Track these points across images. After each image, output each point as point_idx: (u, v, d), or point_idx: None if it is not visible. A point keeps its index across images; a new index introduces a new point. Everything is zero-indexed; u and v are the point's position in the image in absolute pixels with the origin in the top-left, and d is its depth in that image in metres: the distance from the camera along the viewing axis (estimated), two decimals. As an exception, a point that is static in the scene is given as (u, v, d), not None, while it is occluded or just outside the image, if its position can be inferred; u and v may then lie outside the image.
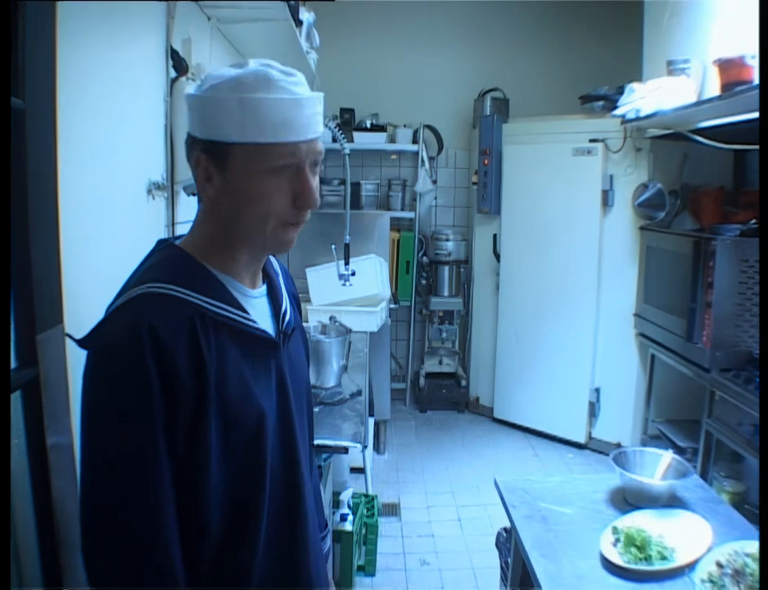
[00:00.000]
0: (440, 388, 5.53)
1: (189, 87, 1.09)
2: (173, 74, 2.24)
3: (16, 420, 1.24)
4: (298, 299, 1.39)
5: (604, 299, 4.50)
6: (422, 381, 5.50)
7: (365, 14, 5.36)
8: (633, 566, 1.64)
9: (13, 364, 1.21)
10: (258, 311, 1.16)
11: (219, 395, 1.03)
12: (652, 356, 4.04)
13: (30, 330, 1.20)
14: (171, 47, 2.21)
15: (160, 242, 1.17)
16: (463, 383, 5.49)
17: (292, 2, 2.62)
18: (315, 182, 1.09)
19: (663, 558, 1.67)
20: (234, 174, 1.04)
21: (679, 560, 1.66)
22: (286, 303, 1.24)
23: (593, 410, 4.62)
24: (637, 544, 1.69)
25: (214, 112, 1.02)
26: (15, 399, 1.22)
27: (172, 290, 1.03)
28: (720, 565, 1.63)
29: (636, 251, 4.23)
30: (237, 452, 1.08)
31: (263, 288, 1.21)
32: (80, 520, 1.00)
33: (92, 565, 1.00)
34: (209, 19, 2.65)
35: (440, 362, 5.63)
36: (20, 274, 1.18)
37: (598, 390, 4.60)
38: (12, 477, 1.26)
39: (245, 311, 1.10)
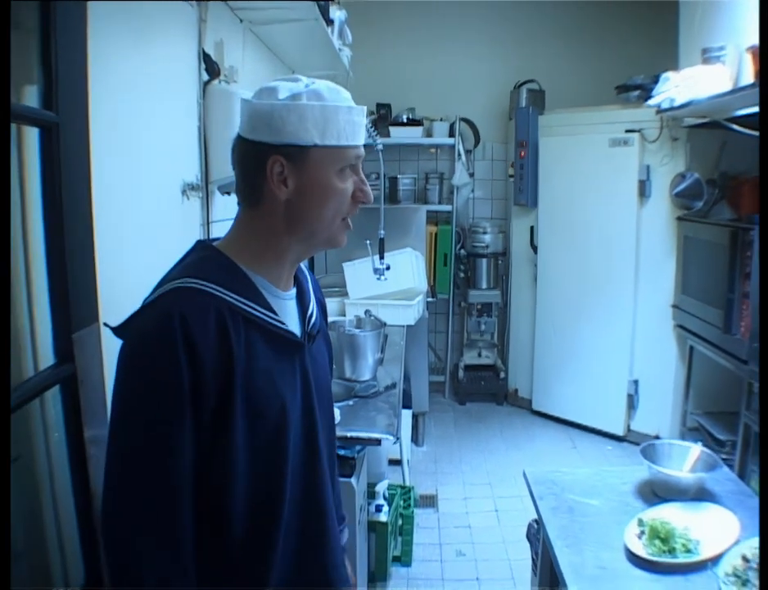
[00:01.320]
0: (479, 380, 5.55)
1: (245, 95, 1.16)
2: (205, 77, 2.30)
3: (56, 414, 1.31)
4: (324, 305, 1.47)
5: (642, 290, 4.46)
6: (461, 373, 5.52)
7: (399, 9, 5.37)
8: (656, 558, 1.64)
9: (51, 360, 1.28)
10: (287, 312, 1.23)
11: (246, 386, 1.09)
12: (691, 348, 4.00)
13: (67, 328, 1.27)
14: (203, 51, 2.27)
15: (198, 243, 1.24)
16: (502, 375, 5.49)
17: (322, 2, 2.66)
18: None
19: (688, 551, 1.66)
20: (311, 175, 1.14)
21: (704, 553, 1.65)
22: (313, 306, 1.31)
23: (631, 402, 4.60)
24: (661, 536, 1.69)
25: (296, 119, 1.12)
26: (55, 394, 1.30)
27: (205, 286, 1.09)
28: (746, 559, 1.61)
29: (674, 242, 4.19)
30: (261, 443, 1.13)
31: (293, 291, 1.28)
32: (102, 500, 1.07)
33: (109, 543, 1.06)
34: (241, 21, 2.71)
35: (479, 354, 5.64)
36: (57, 274, 1.25)
37: (636, 382, 4.56)
38: (53, 469, 1.34)
39: (274, 312, 1.17)
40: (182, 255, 1.22)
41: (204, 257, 1.17)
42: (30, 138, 1.27)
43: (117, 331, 1.10)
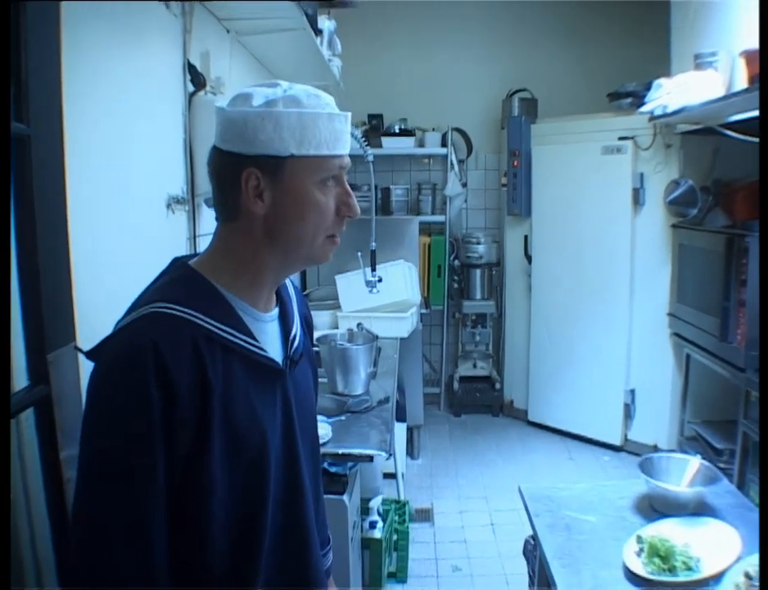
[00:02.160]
0: (475, 392, 5.51)
1: (219, 103, 1.09)
2: (191, 88, 2.27)
3: (30, 436, 1.27)
4: (309, 321, 1.41)
5: (638, 299, 4.45)
6: (456, 385, 5.48)
7: (389, 19, 5.37)
8: (656, 577, 1.60)
9: (25, 382, 1.24)
10: (268, 336, 1.17)
11: (224, 417, 1.04)
12: (687, 356, 3.97)
13: (41, 349, 1.23)
14: (189, 62, 2.24)
15: (174, 261, 1.18)
16: (498, 386, 5.45)
17: (310, 12, 2.63)
18: None
19: (688, 568, 1.62)
20: (289, 188, 1.07)
21: (705, 571, 1.61)
22: (296, 328, 1.25)
23: (628, 412, 4.57)
24: (661, 554, 1.65)
25: (271, 127, 1.05)
26: (29, 416, 1.25)
27: (180, 311, 1.03)
28: (748, 577, 1.57)
29: (669, 250, 4.17)
30: (240, 475, 1.08)
31: (275, 312, 1.22)
32: (70, 526, 1.02)
33: (76, 567, 1.00)
34: (228, 31, 2.69)
35: (474, 365, 5.60)
36: (30, 294, 1.21)
37: (633, 391, 4.54)
38: (27, 489, 1.29)
39: (253, 337, 1.11)
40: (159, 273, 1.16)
41: (180, 278, 1.11)
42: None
43: (89, 355, 1.05)
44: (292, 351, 1.21)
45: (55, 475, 1.26)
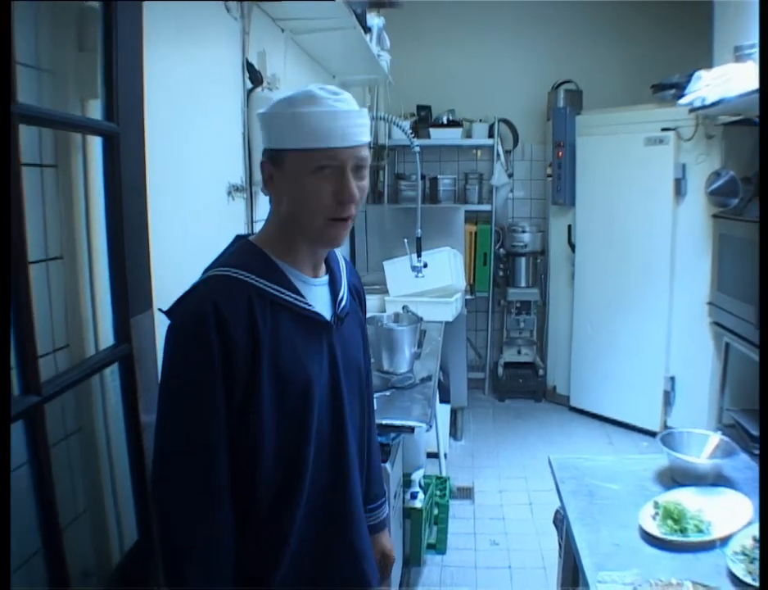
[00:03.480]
0: (518, 377, 5.62)
1: (262, 106, 1.34)
2: (249, 85, 2.46)
3: (114, 389, 1.48)
4: (360, 291, 1.60)
5: (678, 288, 4.50)
6: (500, 370, 5.60)
7: (436, 13, 5.45)
8: (668, 537, 1.72)
9: (111, 341, 1.45)
10: (317, 296, 1.36)
11: (272, 361, 1.24)
12: (727, 345, 4.02)
13: (125, 313, 1.43)
14: (247, 61, 2.43)
15: (237, 237, 1.40)
16: (541, 372, 5.56)
17: (359, 11, 2.80)
18: (361, 183, 1.29)
19: (699, 531, 1.73)
20: (288, 175, 1.26)
21: (715, 533, 1.73)
22: (344, 291, 1.43)
23: (668, 399, 4.64)
24: (674, 517, 1.77)
25: (274, 125, 1.27)
26: (114, 371, 1.46)
27: (237, 273, 1.24)
28: (755, 540, 1.68)
29: (709, 240, 4.22)
30: (287, 412, 1.28)
31: (325, 278, 1.41)
32: (153, 453, 1.25)
33: (158, 496, 1.24)
34: (282, 31, 2.87)
35: (519, 352, 5.70)
36: (117, 268, 1.41)
37: (672, 379, 4.60)
38: (110, 439, 1.50)
39: (301, 295, 1.31)
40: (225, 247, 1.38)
41: (239, 248, 1.34)
42: (94, 146, 1.44)
43: (167, 313, 1.27)
44: (339, 309, 1.39)
45: (134, 421, 1.47)
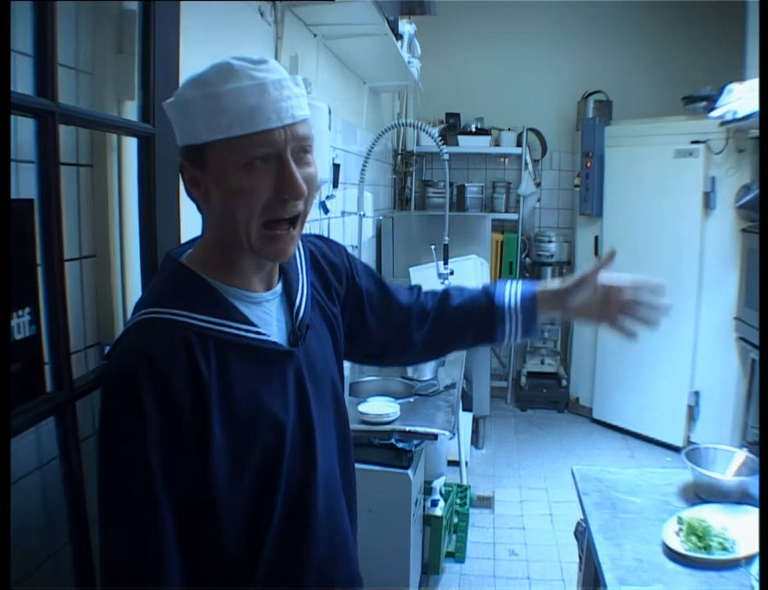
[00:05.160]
0: (541, 388, 5.58)
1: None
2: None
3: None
4: (332, 266, 1.32)
5: (705, 302, 4.47)
6: (523, 380, 5.58)
7: (467, 21, 5.47)
8: (692, 553, 1.70)
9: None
10: (268, 317, 1.13)
11: (227, 409, 1.03)
12: (753, 361, 3.97)
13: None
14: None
15: (167, 256, 1.15)
16: (564, 383, 5.53)
17: (391, 18, 2.81)
18: (307, 170, 1.05)
19: (724, 549, 1.71)
20: (214, 175, 1.01)
21: (740, 552, 1.70)
22: (301, 298, 1.18)
23: (692, 414, 4.59)
24: (698, 533, 1.75)
25: (187, 115, 1.01)
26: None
27: (169, 314, 1.02)
28: (781, 559, 1.67)
29: (738, 254, 4.19)
30: (254, 461, 1.07)
31: (277, 288, 1.17)
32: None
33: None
34: (315, 36, 2.89)
35: (542, 362, 5.67)
36: (148, 267, 1.43)
37: (697, 393, 4.56)
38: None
39: (250, 323, 1.08)
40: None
41: (171, 274, 1.10)
42: (129, 147, 1.46)
43: (103, 361, 1.13)
44: (297, 324, 1.15)
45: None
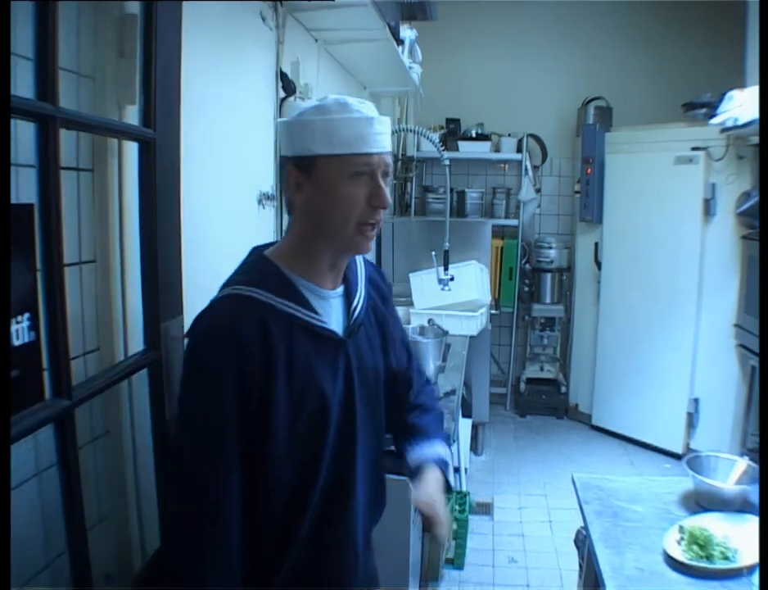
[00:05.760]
0: (540, 394, 5.59)
1: (289, 109, 1.37)
2: (282, 94, 2.47)
3: (142, 393, 1.48)
4: (382, 287, 1.59)
5: (705, 309, 4.47)
6: (522, 386, 5.58)
7: (468, 27, 5.49)
8: (693, 563, 1.69)
9: (141, 347, 1.46)
10: (330, 310, 1.37)
11: (287, 380, 1.25)
12: (753, 368, 3.97)
13: (155, 320, 1.44)
14: (280, 70, 2.45)
15: (252, 250, 1.42)
16: (563, 389, 5.54)
17: (392, 23, 2.81)
18: (387, 188, 1.31)
19: (725, 558, 1.70)
20: (320, 182, 1.26)
21: (742, 561, 1.70)
22: (359, 300, 1.44)
23: (691, 421, 4.59)
24: (699, 542, 1.74)
25: (304, 133, 1.27)
26: (143, 376, 1.47)
27: (252, 292, 1.26)
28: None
29: (738, 261, 4.19)
30: (301, 430, 1.30)
31: (340, 289, 1.41)
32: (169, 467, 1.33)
33: (167, 514, 1.31)
34: (316, 41, 2.89)
35: (541, 368, 5.68)
36: (149, 274, 1.42)
37: (697, 400, 4.56)
38: (136, 444, 1.51)
39: (314, 311, 1.32)
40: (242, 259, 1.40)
41: (254, 263, 1.35)
42: (129, 152, 1.45)
43: (186, 333, 1.32)
44: (353, 321, 1.40)
45: (161, 424, 1.47)
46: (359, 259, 1.51)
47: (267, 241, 1.48)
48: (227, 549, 1.23)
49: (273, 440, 1.26)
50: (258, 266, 1.34)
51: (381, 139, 1.28)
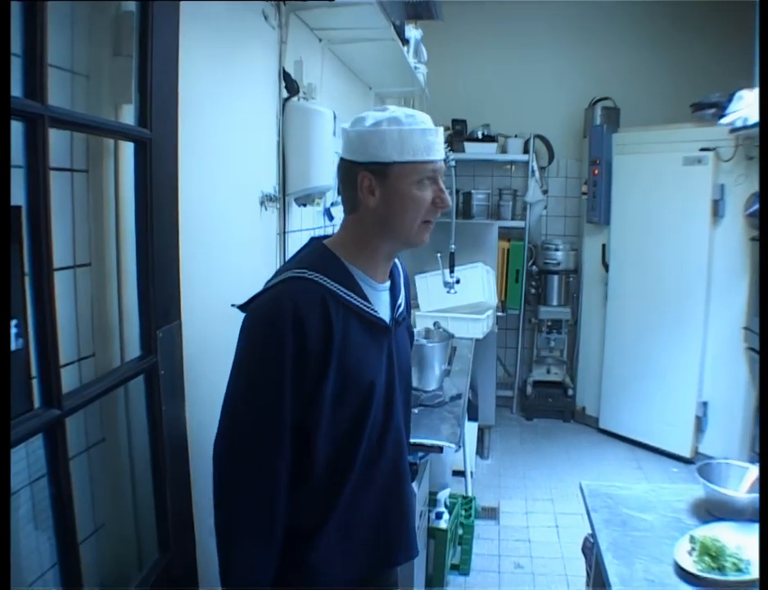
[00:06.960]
0: (547, 397, 5.54)
1: (345, 125, 1.47)
2: (285, 94, 2.43)
3: (139, 399, 1.45)
4: (409, 299, 1.73)
5: (713, 311, 4.42)
6: (529, 389, 5.54)
7: (474, 28, 5.44)
8: (705, 574, 1.65)
9: (138, 352, 1.42)
10: (379, 301, 1.51)
11: (340, 361, 1.37)
12: (763, 372, 3.92)
13: (152, 325, 1.40)
14: (283, 70, 2.41)
15: (311, 239, 1.56)
16: (570, 392, 5.49)
17: (397, 23, 2.77)
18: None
19: (738, 570, 1.66)
20: (393, 186, 1.39)
21: (755, 573, 1.65)
22: (402, 297, 1.60)
23: (700, 425, 4.54)
24: (711, 553, 1.70)
25: (380, 141, 1.38)
26: (139, 381, 1.43)
27: (312, 276, 1.37)
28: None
29: (747, 263, 4.14)
30: (348, 407, 1.42)
31: (387, 284, 1.55)
32: (216, 434, 1.38)
33: (218, 478, 1.37)
34: (320, 41, 2.85)
35: (548, 371, 5.63)
36: (145, 279, 1.39)
37: (705, 404, 4.51)
38: (133, 449, 1.48)
39: (367, 299, 1.44)
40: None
41: (314, 251, 1.47)
42: (126, 152, 1.41)
43: (241, 307, 1.41)
44: (397, 314, 1.55)
45: (157, 427, 1.44)
46: (398, 264, 1.64)
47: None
48: (273, 506, 1.36)
49: (322, 414, 1.37)
50: (319, 255, 1.45)
51: (441, 148, 1.42)
